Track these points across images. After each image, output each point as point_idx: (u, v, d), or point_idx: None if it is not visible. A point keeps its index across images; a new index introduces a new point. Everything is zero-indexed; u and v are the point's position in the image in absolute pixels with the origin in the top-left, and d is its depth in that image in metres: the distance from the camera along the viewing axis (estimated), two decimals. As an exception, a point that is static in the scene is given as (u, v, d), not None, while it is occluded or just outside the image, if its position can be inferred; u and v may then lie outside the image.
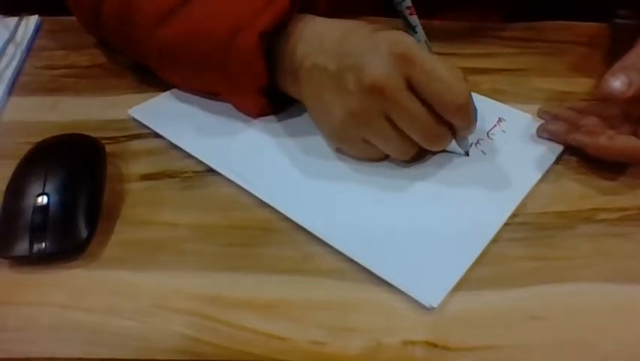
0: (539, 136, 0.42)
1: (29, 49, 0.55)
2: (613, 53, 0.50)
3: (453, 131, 0.37)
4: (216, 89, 0.44)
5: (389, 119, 0.36)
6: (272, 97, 0.43)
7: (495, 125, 0.43)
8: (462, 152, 0.40)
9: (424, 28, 0.37)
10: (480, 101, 0.46)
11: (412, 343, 0.30)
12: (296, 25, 0.40)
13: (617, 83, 0.35)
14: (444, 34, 0.53)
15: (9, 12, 0.59)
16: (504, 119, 0.44)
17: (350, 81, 0.35)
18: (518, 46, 0.53)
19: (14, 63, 0.52)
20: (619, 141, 0.37)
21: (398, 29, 0.36)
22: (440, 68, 0.34)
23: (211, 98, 0.46)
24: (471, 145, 0.41)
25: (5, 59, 0.53)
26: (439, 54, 0.36)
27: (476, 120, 0.37)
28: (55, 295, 0.33)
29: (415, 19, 0.36)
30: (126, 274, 0.34)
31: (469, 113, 0.36)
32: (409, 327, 0.31)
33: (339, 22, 0.39)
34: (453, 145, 0.39)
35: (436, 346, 0.30)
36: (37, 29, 0.58)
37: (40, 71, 0.52)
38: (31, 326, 0.32)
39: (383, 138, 0.37)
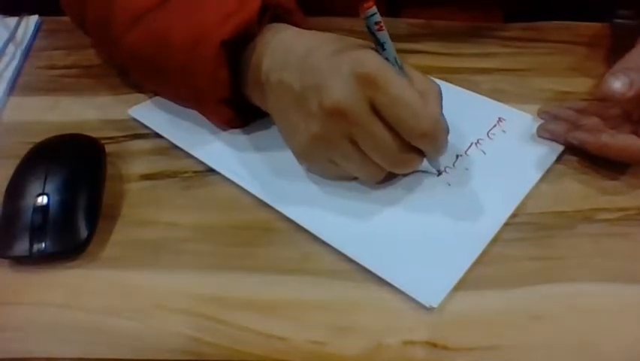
0: (539, 136, 0.42)
1: (29, 49, 0.55)
2: (613, 53, 0.50)
3: (423, 153, 0.35)
4: (183, 98, 0.44)
5: (354, 142, 0.34)
6: (243, 108, 0.41)
7: (495, 125, 0.43)
8: (434, 172, 0.39)
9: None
10: (480, 101, 0.46)
11: (412, 343, 0.30)
12: (263, 35, 0.38)
13: (617, 84, 0.35)
14: (444, 34, 0.53)
15: (9, 12, 0.59)
16: (504, 119, 0.44)
17: (312, 103, 0.33)
18: (518, 46, 0.53)
19: (14, 63, 0.52)
20: (620, 139, 0.37)
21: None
22: (406, 91, 0.32)
23: (184, 107, 0.44)
24: (471, 145, 0.41)
25: (5, 59, 0.53)
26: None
27: (446, 143, 0.35)
28: (55, 295, 0.33)
29: (383, 36, 0.33)
30: (126, 274, 0.34)
31: (434, 139, 0.33)
32: (409, 327, 0.31)
33: (308, 36, 0.37)
34: (425, 164, 0.38)
35: (435, 346, 0.30)
36: (37, 29, 0.58)
37: (40, 71, 0.52)
38: (31, 326, 0.32)
39: (348, 160, 0.35)
